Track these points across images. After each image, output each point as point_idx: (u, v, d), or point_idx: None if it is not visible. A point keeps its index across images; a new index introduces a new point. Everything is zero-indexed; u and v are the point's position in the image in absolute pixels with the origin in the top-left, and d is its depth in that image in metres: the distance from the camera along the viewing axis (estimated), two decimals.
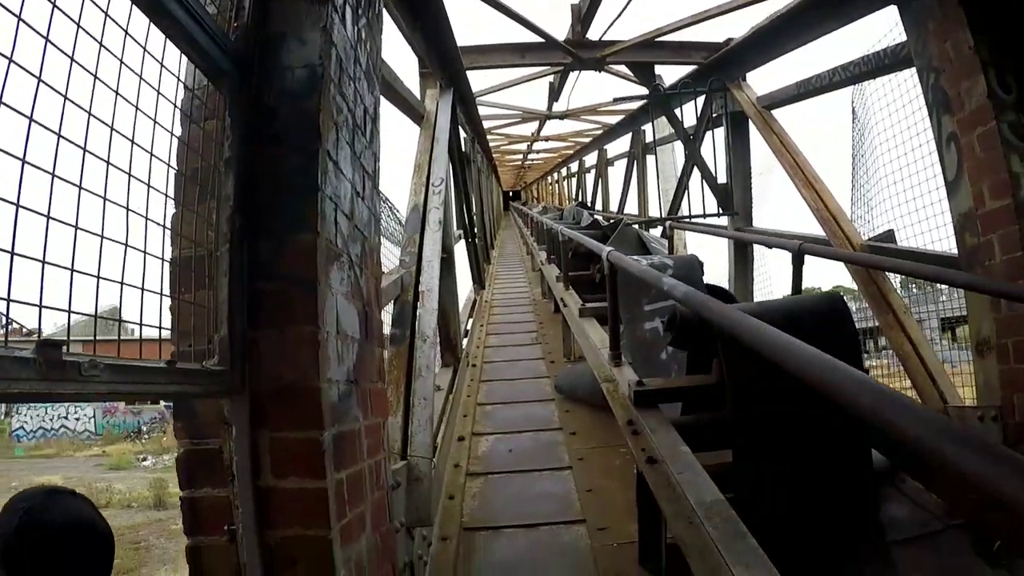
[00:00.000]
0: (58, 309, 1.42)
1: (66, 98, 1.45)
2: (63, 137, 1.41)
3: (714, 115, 9.22)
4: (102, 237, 1.59)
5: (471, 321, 10.77)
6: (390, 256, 5.22)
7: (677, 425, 3.48)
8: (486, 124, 16.88)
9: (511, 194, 44.17)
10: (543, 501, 4.80)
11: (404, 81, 6.49)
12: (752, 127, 8.68)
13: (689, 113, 9.92)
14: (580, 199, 25.51)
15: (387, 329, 4.17)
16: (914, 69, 5.02)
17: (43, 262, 1.37)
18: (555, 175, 36.33)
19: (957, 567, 3.31)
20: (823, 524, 3.17)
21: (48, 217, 1.37)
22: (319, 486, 2.20)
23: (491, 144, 21.58)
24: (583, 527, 4.39)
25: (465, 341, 8.99)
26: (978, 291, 4.16)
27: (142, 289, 1.77)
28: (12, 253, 1.27)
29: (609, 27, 9.31)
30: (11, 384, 1.26)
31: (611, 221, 11.51)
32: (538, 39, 9.13)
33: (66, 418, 33.98)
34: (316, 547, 2.21)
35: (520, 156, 32.03)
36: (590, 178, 25.40)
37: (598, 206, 21.66)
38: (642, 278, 4.32)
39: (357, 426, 2.60)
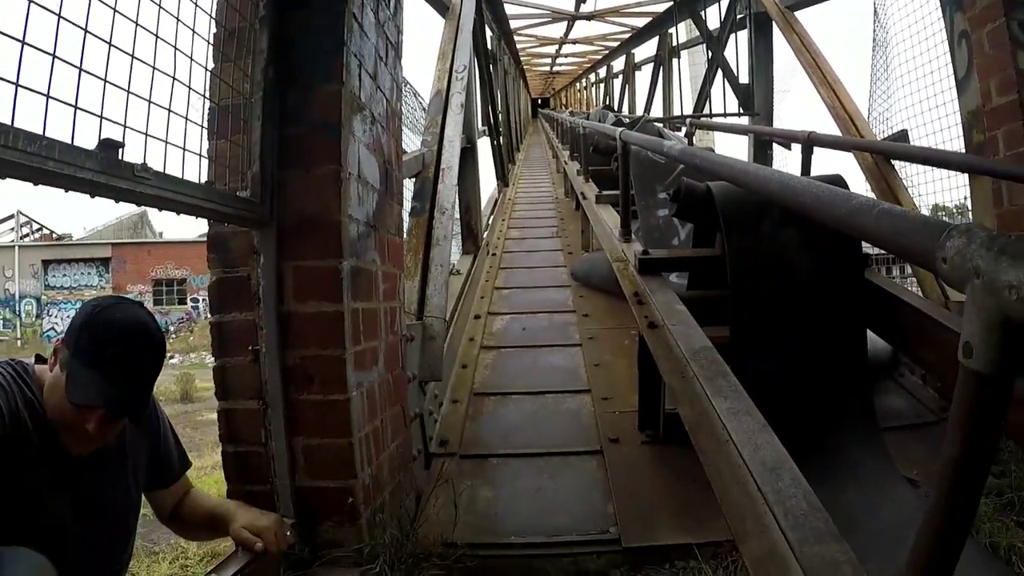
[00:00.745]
0: (114, 122, 1.61)
1: None
2: None
3: (738, 17, 9.18)
4: (153, 68, 1.76)
5: (492, 217, 10.93)
6: (412, 146, 5.36)
7: (680, 298, 3.64)
8: (513, 24, 16.73)
9: (539, 101, 43.64)
10: (552, 373, 5.04)
11: None
12: (776, 31, 8.64)
13: (713, 16, 9.88)
14: (607, 104, 25.30)
15: (407, 203, 4.34)
16: None
17: (104, 80, 1.56)
18: (583, 81, 35.92)
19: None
20: (814, 403, 3.31)
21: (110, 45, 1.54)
22: (336, 309, 2.43)
23: (519, 46, 21.37)
24: (588, 396, 4.63)
25: (486, 234, 9.19)
26: (981, 172, 4.25)
27: (186, 120, 1.95)
28: (80, 68, 1.46)
29: None
30: (77, 170, 1.46)
31: (632, 119, 11.53)
32: None
33: None
34: (331, 366, 2.45)
35: (548, 61, 31.68)
36: (617, 84, 25.18)
37: (624, 110, 21.51)
38: (647, 146, 4.46)
39: (374, 268, 2.82)
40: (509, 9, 13.83)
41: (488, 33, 11.02)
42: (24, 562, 1.93)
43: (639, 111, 20.19)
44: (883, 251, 3.62)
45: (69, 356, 1.82)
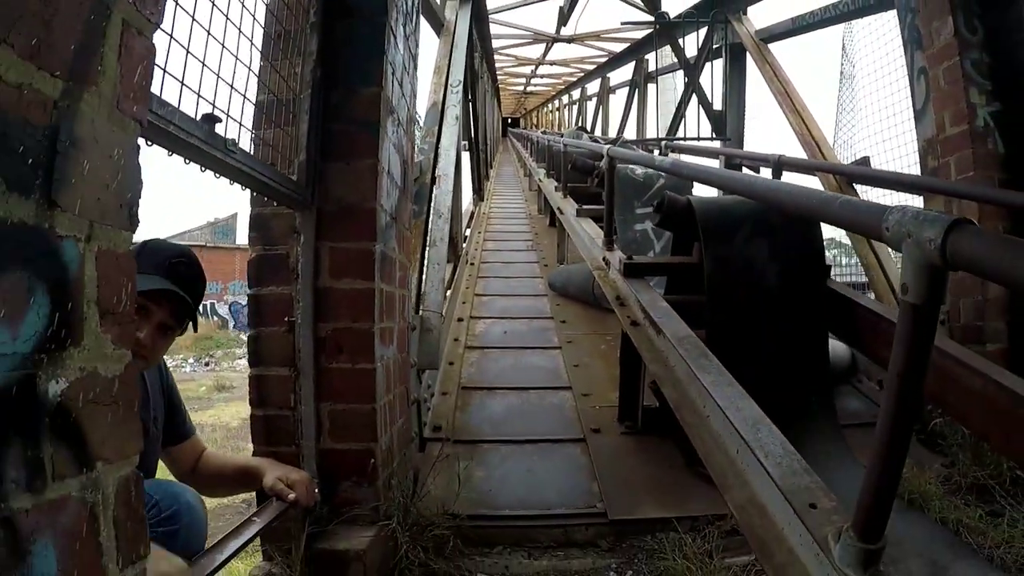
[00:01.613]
0: (204, 98, 1.89)
1: None
2: None
3: (714, 46, 9.64)
4: (217, 74, 2.02)
5: (469, 230, 11.22)
6: None
7: None
8: (495, 44, 17.10)
9: (510, 120, 43.90)
10: (534, 371, 5.34)
11: None
12: (749, 60, 9.12)
13: (691, 44, 10.32)
14: (580, 125, 25.73)
15: None
16: (895, 11, 5.47)
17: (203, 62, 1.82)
18: (556, 103, 36.30)
19: None
20: (783, 399, 3.61)
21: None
22: (368, 287, 2.73)
23: (497, 64, 21.74)
24: (569, 392, 4.93)
25: (464, 244, 9.49)
26: (934, 192, 4.64)
27: (239, 123, 2.23)
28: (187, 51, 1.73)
29: None
30: (189, 136, 1.74)
31: (608, 141, 11.92)
32: None
33: None
34: (361, 337, 2.74)
35: (523, 81, 32.07)
36: (591, 106, 25.63)
37: (597, 132, 21.92)
38: (637, 161, 4.81)
39: (395, 256, 3.12)
40: (493, 28, 14.16)
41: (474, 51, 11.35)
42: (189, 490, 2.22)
43: (612, 133, 20.64)
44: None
45: None
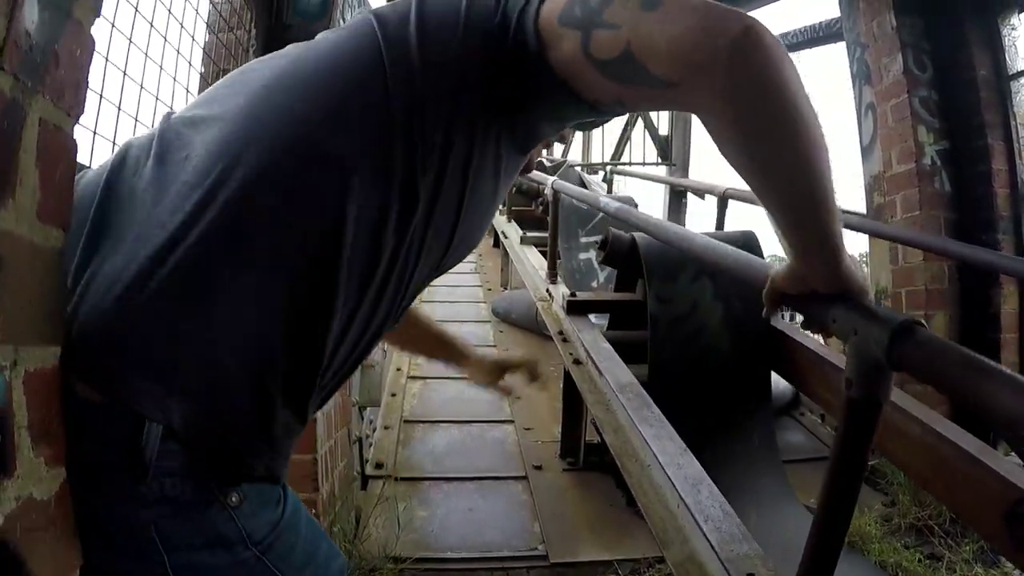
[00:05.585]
0: None
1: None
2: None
3: None
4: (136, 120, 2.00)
5: None
6: None
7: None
8: None
9: None
10: (477, 404, 5.30)
11: None
12: None
13: None
14: None
15: None
16: (843, 43, 5.58)
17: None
18: None
19: None
20: (724, 437, 3.67)
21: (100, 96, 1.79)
22: None
23: None
24: (511, 426, 4.93)
25: None
26: (878, 236, 4.76)
27: None
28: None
29: None
30: None
31: (554, 163, 11.95)
32: None
33: None
34: None
35: None
36: None
37: (545, 152, 21.90)
38: (582, 200, 4.84)
39: None
40: None
41: None
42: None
43: (556, 154, 20.66)
44: None
45: None
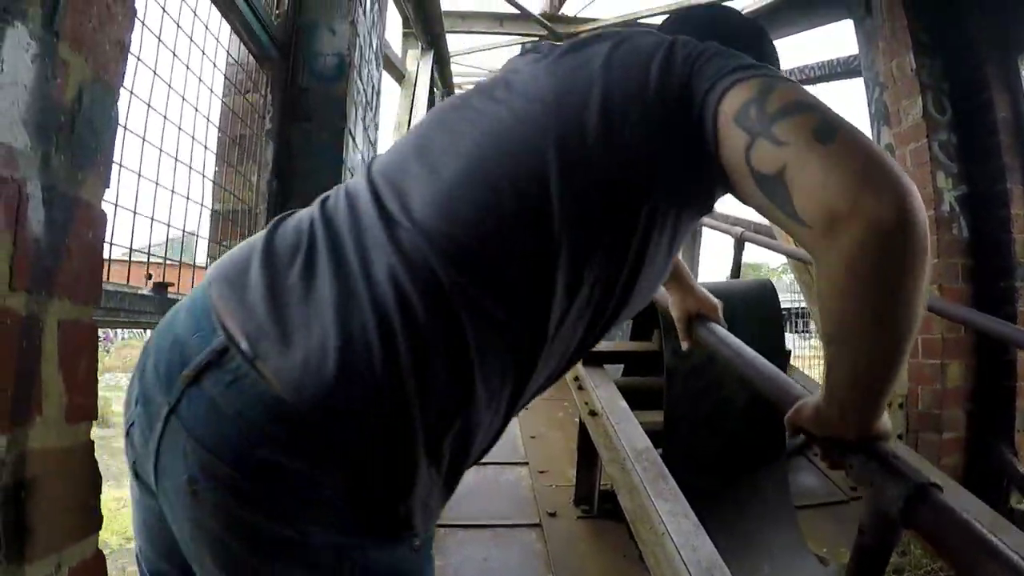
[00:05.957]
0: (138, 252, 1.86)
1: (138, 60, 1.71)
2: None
3: None
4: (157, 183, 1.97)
5: None
6: None
7: (618, 385, 3.96)
8: (456, 80, 17.08)
9: None
10: None
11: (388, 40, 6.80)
12: None
13: None
14: None
15: None
16: (861, 80, 5.53)
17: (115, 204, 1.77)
18: None
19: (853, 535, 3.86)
20: (737, 487, 3.65)
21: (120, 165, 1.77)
22: None
23: None
24: (526, 468, 4.90)
25: None
26: None
27: (195, 234, 2.20)
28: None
29: (588, 4, 9.57)
30: (139, 316, 1.70)
31: None
32: (513, 10, 9.21)
33: None
34: None
35: None
36: None
37: None
38: None
39: None
40: (455, 68, 14.13)
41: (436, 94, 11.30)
42: None
43: None
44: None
45: None
